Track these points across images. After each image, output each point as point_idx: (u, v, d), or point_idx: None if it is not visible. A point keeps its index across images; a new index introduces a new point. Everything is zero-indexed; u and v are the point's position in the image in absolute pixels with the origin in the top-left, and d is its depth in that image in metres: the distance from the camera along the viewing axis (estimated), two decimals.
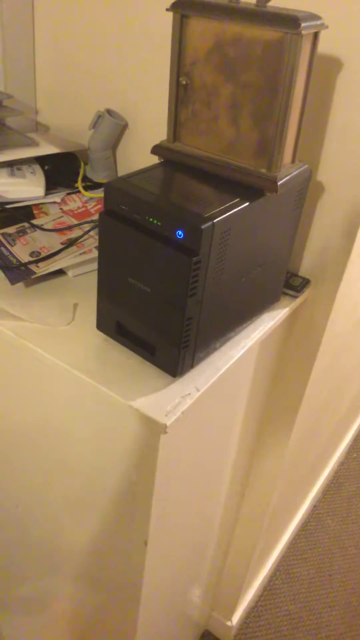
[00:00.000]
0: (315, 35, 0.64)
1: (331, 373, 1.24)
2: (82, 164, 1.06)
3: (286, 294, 0.90)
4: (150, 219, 0.63)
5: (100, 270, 0.71)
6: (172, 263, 0.62)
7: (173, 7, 0.66)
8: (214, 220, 0.61)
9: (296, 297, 0.90)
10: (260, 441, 1.20)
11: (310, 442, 1.44)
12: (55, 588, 1.12)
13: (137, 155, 1.04)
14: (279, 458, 1.19)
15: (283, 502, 1.49)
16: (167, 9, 0.66)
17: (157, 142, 0.74)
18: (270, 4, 0.64)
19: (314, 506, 2.01)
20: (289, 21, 0.59)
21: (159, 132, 0.74)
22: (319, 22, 0.62)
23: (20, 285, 0.84)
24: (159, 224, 0.63)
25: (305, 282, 0.92)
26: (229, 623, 1.55)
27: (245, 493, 1.30)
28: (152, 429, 0.67)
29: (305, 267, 0.93)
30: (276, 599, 1.72)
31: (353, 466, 2.18)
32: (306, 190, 0.76)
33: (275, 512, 1.43)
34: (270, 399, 1.12)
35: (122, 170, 1.07)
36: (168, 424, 0.65)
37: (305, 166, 0.73)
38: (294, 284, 0.91)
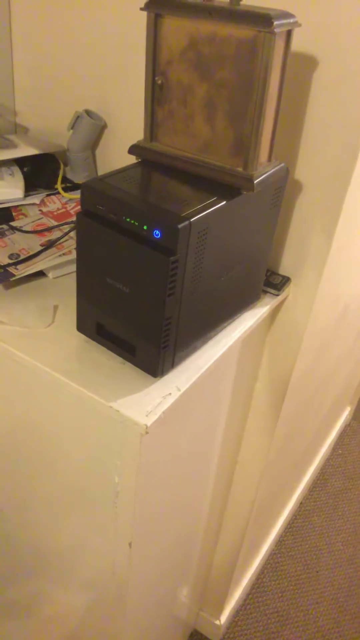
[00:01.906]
0: (289, 34, 0.64)
1: (314, 369, 1.24)
2: (61, 165, 1.05)
3: (267, 292, 0.90)
4: (127, 219, 0.63)
5: (79, 271, 0.71)
6: (150, 263, 0.62)
7: (147, 7, 0.66)
8: (191, 220, 0.61)
9: (277, 295, 0.91)
10: (245, 439, 1.20)
11: (295, 438, 1.44)
12: (42, 591, 1.12)
13: (117, 155, 1.04)
14: (263, 455, 1.19)
15: (269, 500, 1.49)
16: (140, 9, 0.66)
17: (136, 142, 0.74)
18: (243, 2, 0.64)
19: (301, 503, 2.02)
20: (262, 19, 0.59)
21: (138, 132, 0.74)
22: (292, 20, 0.62)
23: None
24: (136, 223, 0.62)
25: (286, 280, 0.92)
26: (217, 622, 1.55)
27: (230, 491, 1.30)
28: (133, 430, 0.66)
29: (286, 265, 0.94)
30: (264, 596, 1.72)
31: (339, 462, 2.19)
32: (283, 189, 0.77)
33: (262, 510, 1.43)
34: (254, 396, 1.13)
35: (102, 171, 1.07)
36: (149, 424, 0.65)
37: (282, 164, 0.73)
38: (274, 282, 0.91)
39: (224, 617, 1.56)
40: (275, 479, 1.43)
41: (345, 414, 2.33)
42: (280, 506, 1.79)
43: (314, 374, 1.26)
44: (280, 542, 1.88)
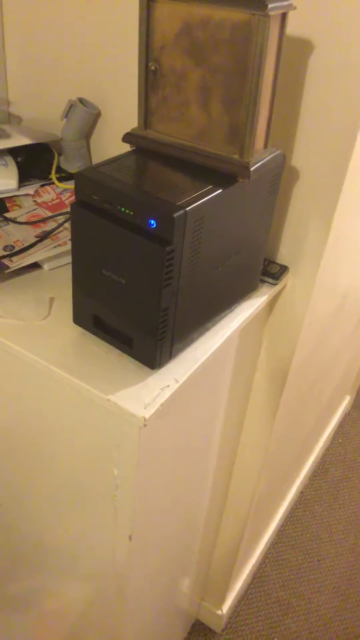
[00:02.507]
0: (284, 17, 0.62)
1: (314, 359, 1.24)
2: (55, 154, 1.04)
3: (265, 281, 0.89)
4: (122, 209, 0.62)
5: (74, 263, 0.70)
6: (146, 253, 0.61)
7: None
8: (187, 209, 0.60)
9: (275, 284, 0.90)
10: (244, 429, 1.20)
11: (295, 427, 1.44)
12: (42, 584, 1.11)
13: (112, 144, 1.03)
14: (263, 445, 1.19)
15: (270, 489, 1.49)
16: None
17: (130, 129, 0.73)
18: None
19: (301, 492, 2.02)
20: (256, 2, 0.58)
21: (133, 120, 0.73)
22: (286, 3, 0.61)
23: None
24: (131, 213, 0.61)
25: (284, 269, 0.91)
26: (219, 612, 1.56)
27: (230, 481, 1.30)
28: (131, 422, 0.66)
29: (283, 254, 0.93)
30: (266, 586, 1.73)
31: (339, 451, 2.19)
32: (280, 176, 0.75)
33: (262, 500, 1.43)
34: (253, 387, 1.12)
35: (97, 160, 1.06)
36: (147, 416, 0.64)
37: (279, 151, 0.72)
38: (272, 272, 0.90)
39: (226, 607, 1.56)
40: (276, 468, 1.43)
41: (345, 403, 2.33)
42: (280, 496, 1.79)
43: (313, 363, 1.25)
44: (281, 531, 1.88)
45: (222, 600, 1.55)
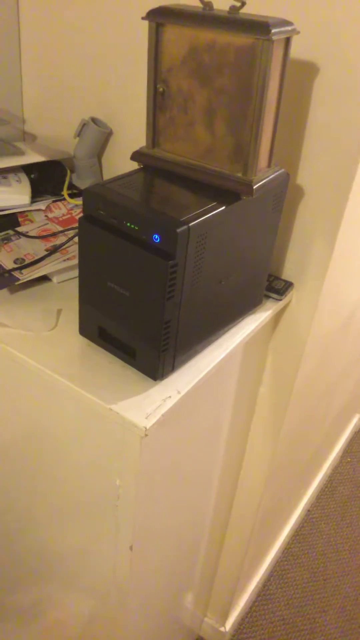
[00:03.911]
0: (287, 41, 0.65)
1: (319, 375, 1.24)
2: (68, 171, 1.07)
3: (269, 297, 0.91)
4: (128, 224, 0.64)
5: (80, 275, 0.72)
6: (150, 267, 0.63)
7: (148, 16, 0.67)
8: (190, 224, 0.62)
9: (279, 300, 0.91)
10: (249, 443, 1.20)
11: (301, 443, 1.44)
12: (45, 596, 1.12)
13: (122, 162, 1.05)
14: (268, 461, 1.19)
15: (275, 506, 1.49)
16: (142, 18, 0.67)
17: (138, 148, 0.75)
18: (243, 10, 0.65)
19: (308, 510, 2.01)
20: (260, 27, 0.60)
21: (143, 139, 0.75)
22: (290, 28, 0.63)
23: (4, 291, 0.85)
24: (136, 228, 0.63)
25: (288, 285, 0.93)
26: (222, 629, 1.55)
27: (234, 495, 1.30)
28: (133, 432, 0.67)
29: (288, 270, 0.94)
30: (270, 604, 1.71)
31: (347, 470, 2.18)
32: (284, 194, 0.77)
33: (267, 516, 1.43)
34: (258, 401, 1.13)
35: (108, 177, 1.08)
36: (148, 426, 0.66)
37: (282, 170, 0.74)
38: (276, 287, 0.92)
39: (229, 624, 1.55)
40: (281, 485, 1.43)
41: (355, 421, 2.32)
42: (286, 513, 1.78)
43: (319, 379, 1.26)
44: (287, 549, 1.87)
45: (226, 617, 1.54)
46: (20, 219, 0.96)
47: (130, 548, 0.82)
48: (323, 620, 1.69)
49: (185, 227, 0.61)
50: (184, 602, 1.34)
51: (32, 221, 0.96)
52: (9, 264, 0.85)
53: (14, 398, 0.84)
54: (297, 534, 1.92)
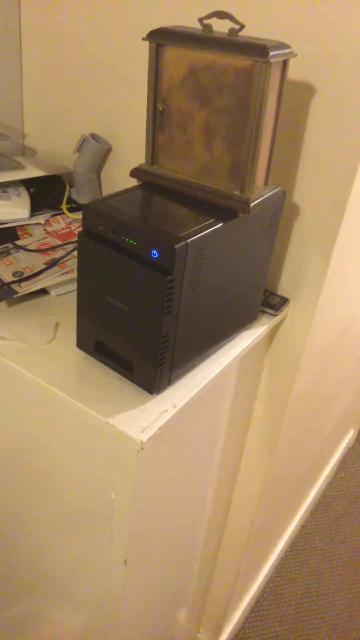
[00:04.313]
0: (285, 63, 0.66)
1: (314, 390, 1.25)
2: (67, 186, 1.08)
3: (265, 312, 0.92)
4: (126, 239, 0.65)
5: (79, 289, 0.73)
6: (148, 281, 0.64)
7: (149, 37, 0.69)
8: (188, 240, 0.63)
9: (275, 315, 0.92)
10: (244, 458, 1.21)
11: (296, 458, 1.44)
12: (39, 609, 1.11)
13: (121, 178, 1.07)
14: (263, 475, 1.19)
15: (269, 521, 1.49)
16: (143, 39, 0.69)
17: (138, 165, 0.77)
18: (241, 33, 0.66)
19: (302, 526, 2.00)
20: (258, 50, 0.62)
21: (142, 156, 0.77)
22: (287, 51, 0.65)
23: (2, 304, 0.86)
24: (135, 243, 0.64)
25: (284, 301, 0.94)
26: None
27: (229, 510, 1.30)
28: (129, 446, 0.68)
29: (284, 286, 0.95)
30: (264, 620, 1.71)
31: (341, 486, 2.18)
32: (280, 211, 0.78)
33: (261, 531, 1.43)
34: (253, 415, 1.13)
35: (107, 192, 1.10)
36: (144, 440, 0.66)
37: (279, 188, 0.75)
38: (272, 303, 0.93)
39: None
40: (275, 500, 1.43)
41: (349, 437, 2.32)
42: (280, 528, 1.78)
43: (314, 394, 1.27)
44: (280, 565, 1.87)
45: (219, 633, 1.53)
46: (19, 233, 0.97)
47: (125, 562, 0.82)
48: (316, 636, 1.68)
49: (183, 243, 0.62)
50: (177, 617, 1.34)
51: (31, 235, 0.97)
52: (7, 277, 0.86)
53: (10, 410, 0.85)
54: (291, 550, 1.92)
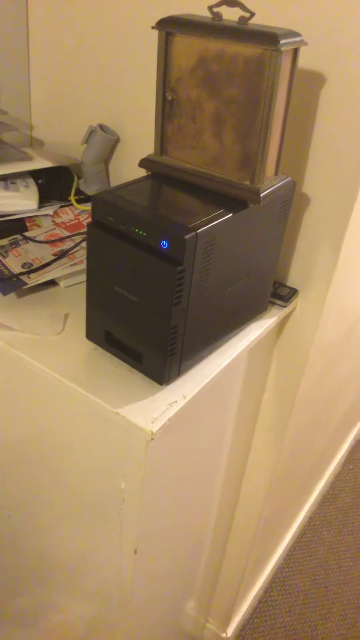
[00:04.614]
0: (295, 52, 0.66)
1: (323, 382, 1.25)
2: (75, 177, 1.08)
3: (274, 303, 0.92)
4: (136, 230, 0.65)
5: (88, 280, 0.73)
6: (157, 272, 0.64)
7: (158, 25, 0.68)
8: (197, 231, 0.62)
9: (284, 306, 0.92)
10: (252, 450, 1.21)
11: (304, 450, 1.44)
12: (48, 599, 1.12)
13: (129, 168, 1.06)
14: (271, 467, 1.20)
15: (277, 513, 1.49)
16: (152, 27, 0.68)
17: (146, 155, 0.76)
18: (251, 21, 0.66)
19: (310, 517, 2.01)
20: (269, 38, 0.61)
21: (150, 146, 0.76)
22: (298, 39, 0.64)
23: (12, 295, 0.86)
24: (144, 234, 0.64)
25: (293, 292, 0.94)
26: (223, 635, 1.55)
27: (237, 501, 1.30)
28: (139, 436, 0.68)
29: (293, 277, 0.95)
30: (272, 610, 1.71)
31: (349, 477, 2.18)
32: (290, 202, 0.78)
33: (269, 522, 1.43)
34: (262, 407, 1.13)
35: (115, 183, 1.09)
36: (154, 430, 0.66)
37: (289, 178, 0.75)
38: (282, 294, 0.92)
39: (230, 630, 1.55)
40: (283, 491, 1.43)
41: (357, 428, 2.32)
42: (288, 519, 1.78)
43: (323, 386, 1.26)
44: (288, 556, 1.87)
45: (227, 623, 1.54)
46: (28, 224, 0.97)
47: (135, 552, 0.82)
48: (324, 627, 1.69)
49: (193, 233, 0.62)
50: (186, 608, 1.35)
51: (39, 226, 0.97)
52: (16, 269, 0.86)
53: (20, 401, 0.85)
54: (299, 541, 1.92)
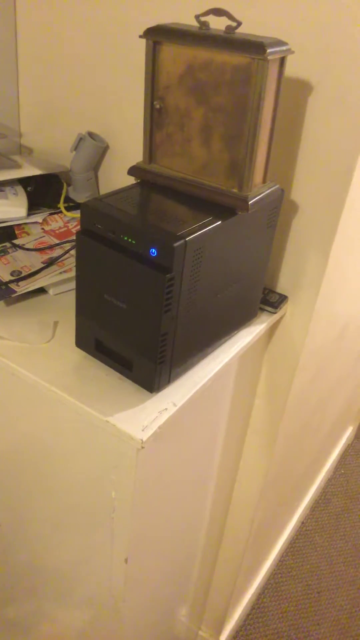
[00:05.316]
0: (282, 60, 0.66)
1: (314, 387, 1.25)
2: (64, 185, 1.08)
3: (264, 309, 0.92)
4: (125, 238, 0.65)
5: (78, 288, 0.73)
6: (147, 280, 0.64)
7: (146, 34, 0.68)
8: (186, 239, 0.63)
9: (274, 313, 0.92)
10: (244, 456, 1.21)
11: (296, 455, 1.44)
12: (40, 609, 1.12)
13: (119, 176, 1.06)
14: (263, 473, 1.20)
15: (269, 519, 1.49)
16: (140, 36, 0.68)
17: (135, 163, 0.76)
18: (238, 30, 0.66)
19: (302, 523, 2.01)
20: (256, 47, 0.62)
21: (139, 154, 0.77)
22: (285, 48, 0.64)
23: (0, 303, 0.86)
24: (133, 242, 0.64)
25: (283, 298, 0.94)
26: None
27: (229, 507, 1.30)
28: (129, 444, 0.67)
29: (283, 284, 0.95)
30: (265, 617, 1.71)
31: (341, 482, 2.18)
32: (279, 209, 0.78)
33: (261, 528, 1.43)
34: (253, 413, 1.13)
35: (104, 191, 1.09)
36: (144, 439, 0.66)
37: (277, 186, 0.75)
38: (271, 300, 0.93)
39: (223, 637, 1.55)
40: (275, 497, 1.43)
41: (348, 433, 2.32)
42: (280, 525, 1.78)
43: (313, 391, 1.27)
44: (281, 562, 1.87)
45: (220, 630, 1.54)
46: (17, 232, 0.97)
47: (126, 561, 0.82)
48: (317, 633, 1.69)
49: (182, 241, 0.62)
50: (179, 615, 1.34)
51: (28, 234, 0.97)
52: (5, 277, 0.86)
53: (10, 410, 0.84)
54: (292, 547, 1.92)
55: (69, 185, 1.08)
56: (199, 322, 0.73)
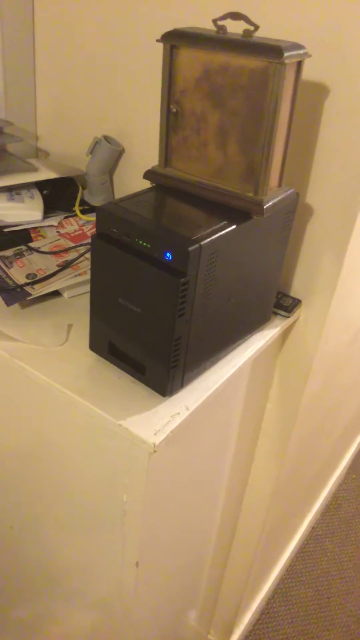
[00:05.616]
0: (299, 64, 0.66)
1: (326, 392, 1.25)
2: (80, 188, 1.08)
3: (277, 314, 0.92)
4: (140, 242, 0.65)
5: (92, 291, 0.73)
6: (161, 284, 0.64)
7: (163, 39, 0.69)
8: (201, 243, 0.63)
9: (287, 317, 0.92)
10: (255, 460, 1.20)
11: (307, 460, 1.44)
12: (50, 610, 1.12)
13: (134, 179, 1.07)
14: (274, 477, 1.19)
15: (280, 523, 1.48)
16: (157, 40, 0.69)
17: (151, 167, 0.77)
18: (256, 34, 0.66)
19: (313, 527, 1.99)
20: (273, 51, 0.62)
21: (154, 158, 0.77)
22: (302, 52, 0.64)
23: (16, 306, 0.86)
24: (148, 246, 0.64)
25: (296, 303, 0.94)
26: None
27: (240, 513, 1.30)
28: (141, 448, 0.67)
29: (296, 288, 0.95)
30: (274, 622, 1.70)
31: (352, 487, 2.17)
32: (293, 213, 0.78)
33: (272, 533, 1.42)
34: (265, 417, 1.13)
35: (119, 194, 1.10)
36: (157, 442, 0.66)
37: (292, 190, 0.75)
38: (285, 304, 0.92)
39: None
40: (286, 502, 1.42)
41: None
42: (291, 530, 1.77)
43: (326, 396, 1.26)
44: (291, 567, 1.86)
45: (229, 634, 1.53)
46: (32, 235, 0.98)
47: (136, 564, 0.82)
48: (327, 638, 1.68)
49: (197, 245, 0.62)
50: (188, 619, 1.34)
51: (44, 237, 0.98)
52: (21, 279, 0.86)
53: (23, 412, 0.85)
54: (302, 551, 1.91)
55: (84, 188, 1.08)
56: (213, 326, 0.73)
